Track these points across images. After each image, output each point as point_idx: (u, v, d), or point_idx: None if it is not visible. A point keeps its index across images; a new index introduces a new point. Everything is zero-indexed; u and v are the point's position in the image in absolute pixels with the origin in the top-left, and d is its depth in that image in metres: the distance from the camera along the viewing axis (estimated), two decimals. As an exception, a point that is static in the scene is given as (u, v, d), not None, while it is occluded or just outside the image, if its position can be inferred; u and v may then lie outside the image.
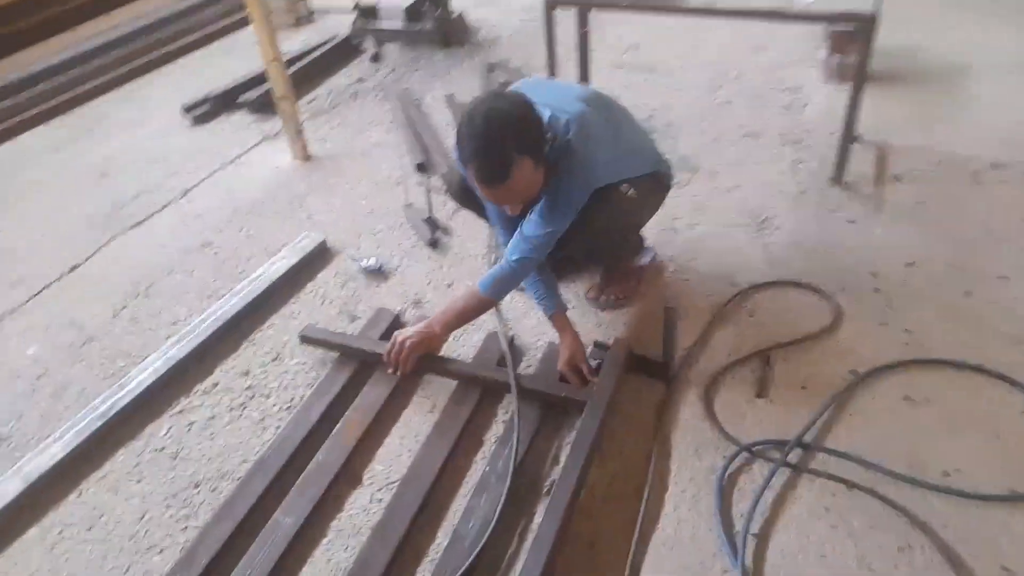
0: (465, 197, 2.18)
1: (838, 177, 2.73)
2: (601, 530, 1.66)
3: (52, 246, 2.81)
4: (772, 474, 1.71)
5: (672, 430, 1.87)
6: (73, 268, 2.67)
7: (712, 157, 2.99)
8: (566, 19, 2.91)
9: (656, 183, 2.14)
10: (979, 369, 1.94)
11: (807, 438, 1.80)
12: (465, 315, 2.02)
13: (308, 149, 3.23)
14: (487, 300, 1.98)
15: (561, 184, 1.84)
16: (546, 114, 1.82)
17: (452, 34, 4.29)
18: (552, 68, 3.20)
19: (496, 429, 1.93)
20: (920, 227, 2.48)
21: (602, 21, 3.96)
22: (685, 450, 1.82)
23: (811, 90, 3.45)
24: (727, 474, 1.74)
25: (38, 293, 2.56)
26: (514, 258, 1.91)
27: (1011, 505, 1.62)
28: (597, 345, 2.07)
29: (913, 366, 1.97)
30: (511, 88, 1.92)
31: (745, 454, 1.78)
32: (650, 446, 1.83)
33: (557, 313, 2.06)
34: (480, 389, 1.99)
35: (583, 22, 2.97)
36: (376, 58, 4.23)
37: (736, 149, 3.04)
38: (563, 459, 1.82)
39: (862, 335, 2.08)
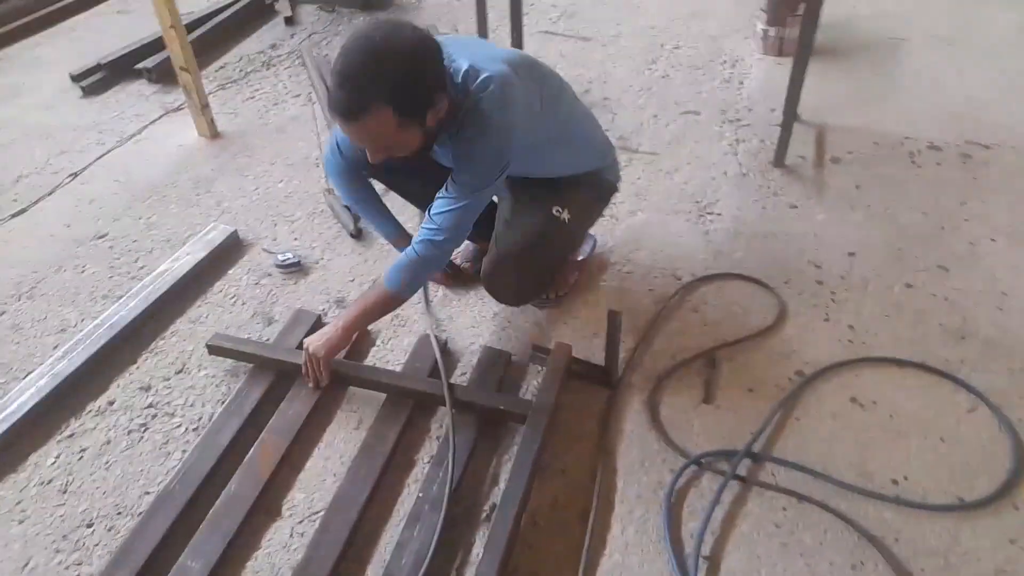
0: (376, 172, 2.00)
1: (779, 159, 2.65)
2: (544, 560, 1.54)
3: (-83, 239, 2.47)
4: (721, 489, 1.63)
5: (617, 442, 1.76)
6: (-58, 265, 2.36)
7: (652, 136, 2.86)
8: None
9: (597, 192, 1.98)
10: (922, 367, 1.90)
11: (755, 447, 1.72)
12: (370, 313, 1.80)
13: (216, 125, 2.94)
14: (394, 295, 1.75)
15: (465, 150, 1.63)
16: (463, 66, 1.59)
17: (374, -5, 4.00)
18: (482, 36, 3.00)
19: (429, 447, 1.78)
20: (860, 213, 2.43)
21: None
22: (631, 464, 1.71)
23: (750, 63, 3.35)
24: (675, 489, 1.65)
25: (-101, 297, 2.24)
26: (418, 241, 1.70)
27: (958, 516, 1.59)
28: (536, 349, 1.93)
29: (858, 364, 1.92)
30: (435, 36, 1.61)
31: (693, 467, 1.69)
32: (595, 462, 1.71)
33: (400, 239, 2.00)
34: (411, 402, 1.83)
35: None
36: (291, 21, 3.91)
37: (675, 127, 2.92)
38: (502, 479, 1.69)
39: (807, 332, 2.02)
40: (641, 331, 2.03)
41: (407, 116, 1.50)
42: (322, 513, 1.62)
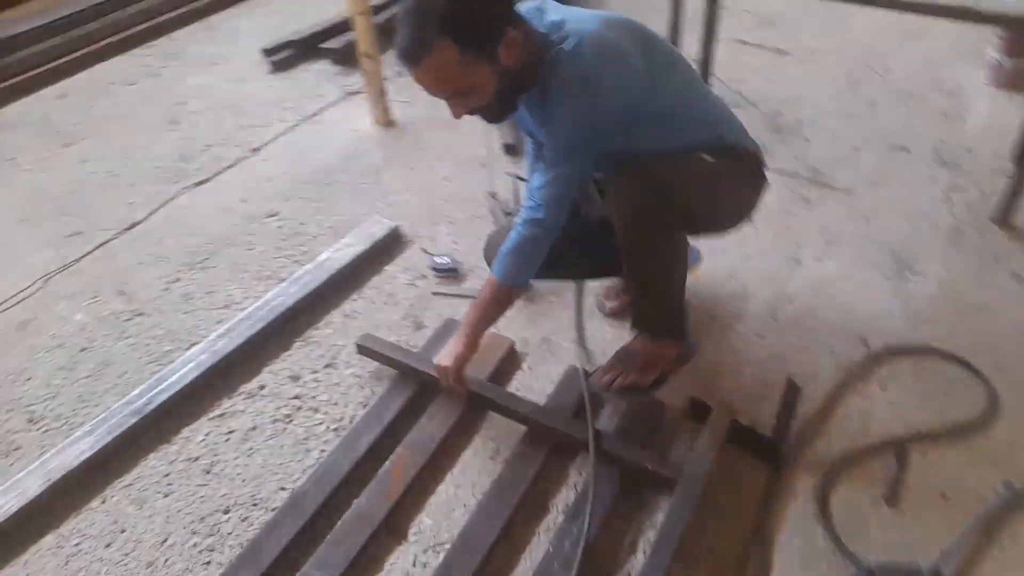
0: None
1: (1004, 216, 2.28)
2: (678, 652, 1.39)
3: (114, 196, 2.64)
4: (897, 613, 1.40)
5: (776, 531, 1.56)
6: (132, 226, 2.50)
7: (849, 171, 2.56)
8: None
9: (742, 162, 1.65)
10: None
11: (944, 569, 1.46)
12: (488, 313, 1.66)
13: (390, 113, 2.94)
14: (507, 287, 1.62)
15: (550, 110, 1.47)
16: (552, 18, 1.46)
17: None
18: (674, 33, 2.80)
19: (566, 495, 1.66)
20: (1105, 295, 2.04)
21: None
22: (790, 559, 1.51)
23: (974, 97, 2.93)
24: (839, 602, 1.43)
25: (92, 251, 2.40)
26: (520, 222, 1.56)
27: None
28: (694, 404, 1.76)
29: (1087, 486, 1.59)
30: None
31: (864, 577, 1.47)
32: (748, 548, 1.53)
33: None
34: (552, 440, 1.72)
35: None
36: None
37: (878, 163, 2.60)
38: (641, 548, 1.55)
39: (1022, 435, 1.70)
40: (818, 402, 1.80)
41: (473, 48, 1.37)
42: (447, 546, 1.55)
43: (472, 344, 1.70)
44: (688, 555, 1.52)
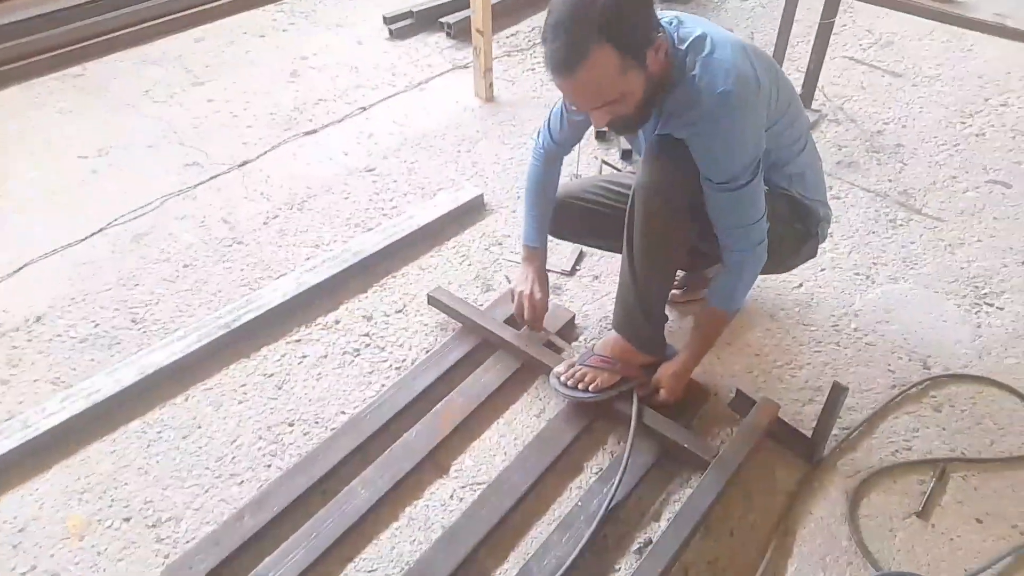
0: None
1: (1099, 263, 2.20)
2: (685, 618, 1.45)
3: (231, 135, 2.87)
4: (908, 622, 1.42)
5: (801, 524, 1.59)
6: (243, 164, 2.72)
7: (942, 200, 2.51)
8: None
9: (794, 211, 1.71)
10: None
11: (967, 590, 1.47)
12: (707, 346, 1.77)
13: (493, 89, 3.07)
14: (731, 316, 1.71)
15: (706, 143, 1.47)
16: (694, 31, 1.47)
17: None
18: (780, 49, 2.81)
19: (600, 459, 1.74)
20: None
21: (854, 3, 3.43)
22: (810, 554, 1.54)
23: (1092, 142, 2.80)
24: (852, 601, 1.46)
25: (206, 181, 2.63)
26: (746, 246, 1.60)
27: None
28: (739, 396, 1.80)
29: None
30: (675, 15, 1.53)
31: (882, 583, 1.49)
32: (769, 536, 1.57)
33: (528, 244, 1.92)
34: (596, 409, 1.80)
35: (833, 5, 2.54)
36: None
37: (974, 195, 2.54)
38: (664, 518, 1.61)
39: (1076, 477, 1.67)
40: (866, 413, 1.80)
41: (630, 53, 1.37)
42: (483, 487, 1.65)
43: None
44: (710, 530, 1.58)
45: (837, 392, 1.59)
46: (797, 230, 1.73)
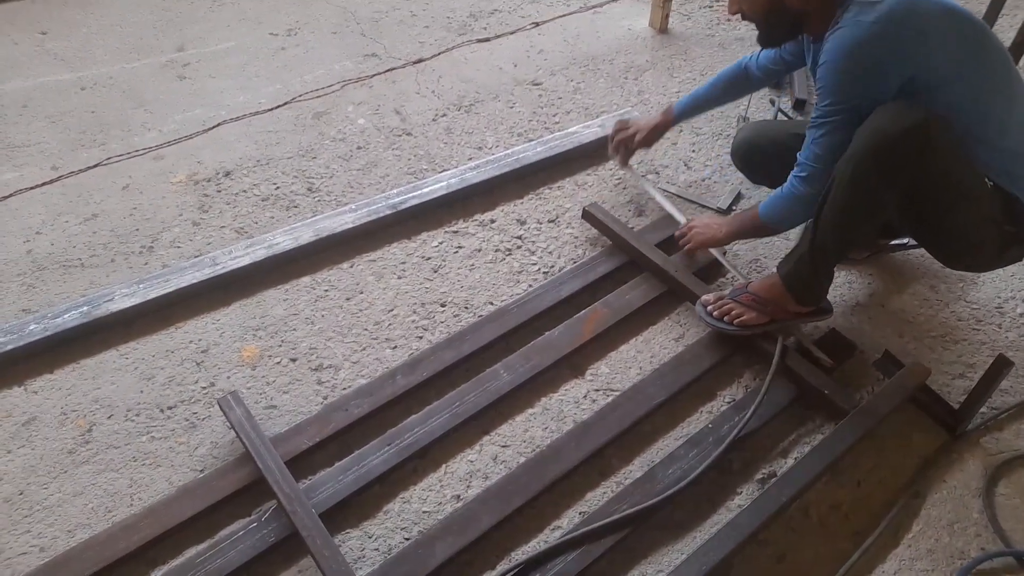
0: (747, 162, 2.03)
1: None
2: (800, 549, 1.49)
3: (409, 33, 2.97)
4: (1033, 601, 1.40)
5: (932, 490, 1.58)
6: (418, 61, 2.82)
7: None
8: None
9: (1019, 225, 1.58)
10: None
11: (1102, 585, 1.43)
12: (744, 228, 1.84)
13: (668, 21, 3.02)
14: (764, 225, 1.76)
15: (826, 57, 1.50)
16: None
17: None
18: (993, 13, 2.61)
19: (734, 390, 1.77)
20: None
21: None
22: (937, 517, 1.54)
23: None
24: (974, 571, 1.45)
25: (383, 72, 2.75)
26: (795, 175, 1.64)
27: None
28: (887, 357, 1.76)
29: None
30: None
31: (1009, 559, 1.47)
32: (897, 495, 1.57)
33: (673, 108, 2.10)
34: (738, 343, 1.82)
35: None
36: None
37: None
38: (793, 455, 1.64)
39: None
40: (1019, 398, 1.74)
41: None
42: (617, 393, 1.72)
43: (729, 239, 1.90)
44: (837, 476, 1.59)
45: (1001, 365, 1.55)
46: (1007, 232, 1.60)
